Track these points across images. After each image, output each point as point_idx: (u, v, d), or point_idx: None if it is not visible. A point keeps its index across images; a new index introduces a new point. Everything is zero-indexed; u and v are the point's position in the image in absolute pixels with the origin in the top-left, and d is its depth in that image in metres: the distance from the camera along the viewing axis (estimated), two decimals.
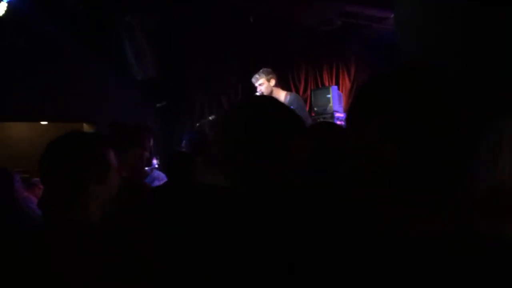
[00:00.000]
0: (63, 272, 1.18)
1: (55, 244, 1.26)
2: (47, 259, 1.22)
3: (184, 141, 3.94)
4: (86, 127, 6.68)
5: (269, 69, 4.83)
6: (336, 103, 6.83)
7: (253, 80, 4.81)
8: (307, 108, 6.55)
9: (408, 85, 0.75)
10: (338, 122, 6.46)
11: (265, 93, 4.76)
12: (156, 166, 5.23)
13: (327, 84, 7.77)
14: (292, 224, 1.25)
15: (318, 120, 6.51)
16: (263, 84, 4.74)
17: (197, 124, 6.01)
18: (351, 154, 0.78)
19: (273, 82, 4.77)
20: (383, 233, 0.77)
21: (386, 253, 0.73)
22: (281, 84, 5.10)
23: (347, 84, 8.10)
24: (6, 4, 4.77)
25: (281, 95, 4.80)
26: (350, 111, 0.83)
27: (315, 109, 7.03)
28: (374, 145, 0.74)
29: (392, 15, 5.47)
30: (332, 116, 6.63)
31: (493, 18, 2.62)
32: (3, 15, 4.81)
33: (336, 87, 7.24)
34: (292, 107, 4.49)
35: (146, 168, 3.93)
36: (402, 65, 0.81)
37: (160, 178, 3.93)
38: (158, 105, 6.03)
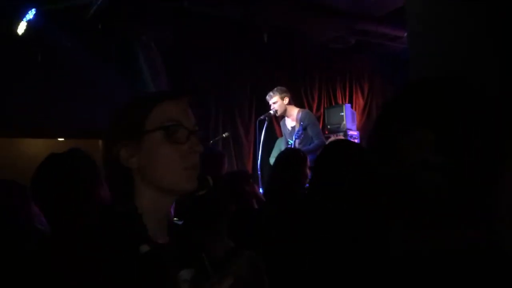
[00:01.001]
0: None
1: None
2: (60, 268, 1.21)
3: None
4: (101, 144, 6.75)
5: (283, 88, 4.87)
6: (349, 121, 6.83)
7: (267, 98, 4.85)
8: (320, 126, 6.56)
9: (452, 97, 0.75)
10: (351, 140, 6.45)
11: (278, 111, 4.79)
12: None
13: (340, 102, 7.77)
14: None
15: (332, 138, 6.51)
16: (276, 102, 4.78)
17: (211, 142, 6.04)
18: (395, 162, 0.76)
19: (286, 100, 4.80)
20: (419, 242, 0.75)
21: (422, 263, 0.72)
22: (294, 101, 5.13)
23: (361, 102, 8.09)
24: (25, 23, 4.89)
25: (294, 112, 4.83)
26: (385, 120, 0.81)
27: (329, 126, 7.03)
28: (419, 153, 0.72)
29: (406, 34, 5.50)
30: (346, 134, 6.62)
31: (507, 34, 2.62)
32: (23, 33, 4.93)
33: (349, 105, 7.24)
34: (302, 123, 4.54)
35: None
36: (438, 77, 0.80)
37: None
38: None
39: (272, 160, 5.06)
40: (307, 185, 3.12)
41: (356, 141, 6.62)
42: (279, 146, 5.30)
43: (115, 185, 1.11)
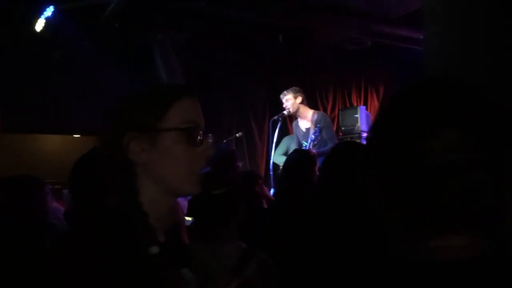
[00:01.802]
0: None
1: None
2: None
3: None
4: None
5: (297, 88, 4.88)
6: (364, 123, 6.79)
7: (281, 96, 4.87)
8: (335, 128, 6.54)
9: (476, 97, 0.75)
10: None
11: (291, 110, 4.79)
12: None
13: (355, 103, 7.74)
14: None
15: (345, 139, 6.49)
16: (289, 100, 4.78)
17: (224, 141, 6.06)
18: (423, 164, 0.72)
19: (299, 99, 4.79)
20: (433, 252, 0.74)
21: (431, 272, 0.71)
22: (309, 103, 5.12)
23: (376, 104, 8.04)
24: (44, 21, 4.97)
25: (309, 114, 4.82)
26: (391, 123, 0.78)
27: (343, 128, 7.00)
28: (446, 156, 0.70)
29: (422, 36, 5.44)
30: (360, 136, 6.58)
31: None
32: (41, 31, 5.01)
33: (364, 107, 7.20)
34: (318, 125, 4.52)
35: None
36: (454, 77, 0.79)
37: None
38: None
39: (277, 158, 5.03)
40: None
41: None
42: (287, 144, 5.27)
43: (118, 179, 1.04)
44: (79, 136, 7.80)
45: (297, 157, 2.97)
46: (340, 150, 1.94)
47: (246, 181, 2.90)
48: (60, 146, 8.34)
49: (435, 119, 0.72)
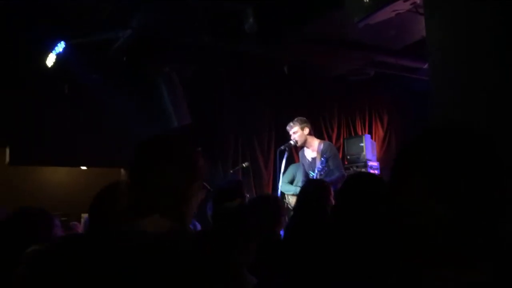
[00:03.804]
0: None
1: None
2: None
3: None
4: (123, 172, 6.85)
5: (304, 118, 4.91)
6: (369, 152, 6.81)
7: (288, 128, 4.89)
8: (340, 156, 6.56)
9: (453, 145, 0.81)
10: (371, 171, 6.42)
11: (299, 141, 4.82)
12: None
13: (360, 132, 7.76)
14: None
15: (352, 169, 6.49)
16: (297, 133, 4.81)
17: (231, 171, 6.08)
18: (399, 207, 0.82)
19: (307, 130, 4.83)
20: (424, 282, 0.79)
21: None
22: (314, 132, 5.16)
23: (380, 132, 8.07)
24: (54, 56, 5.08)
25: (315, 143, 4.85)
26: (397, 165, 0.87)
27: (348, 157, 7.01)
28: (423, 200, 0.78)
29: (426, 65, 5.52)
30: (365, 165, 6.59)
31: None
32: (52, 65, 5.12)
33: (369, 135, 7.23)
34: (325, 155, 4.53)
35: None
36: (448, 125, 0.87)
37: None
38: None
39: (284, 186, 5.03)
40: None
41: (376, 172, 6.58)
42: (293, 173, 5.28)
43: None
44: (85, 168, 7.86)
45: (313, 187, 2.98)
46: (355, 181, 1.96)
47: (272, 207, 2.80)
48: (67, 178, 8.41)
49: (411, 168, 0.83)
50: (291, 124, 4.86)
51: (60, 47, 4.98)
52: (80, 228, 3.77)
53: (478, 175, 0.77)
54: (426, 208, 0.77)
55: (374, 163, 6.78)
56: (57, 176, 8.25)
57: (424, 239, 0.78)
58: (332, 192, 2.97)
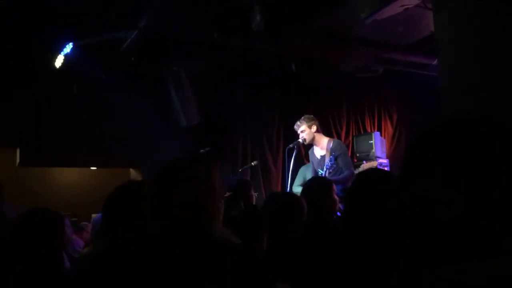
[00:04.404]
0: None
1: None
2: None
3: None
4: (132, 172, 6.88)
5: (311, 116, 4.87)
6: (378, 149, 6.77)
7: (295, 127, 4.87)
8: (349, 154, 6.53)
9: (468, 135, 0.77)
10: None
11: (307, 140, 4.80)
12: None
13: (369, 129, 7.72)
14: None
15: (362, 167, 6.46)
16: (305, 131, 4.78)
17: (240, 170, 6.08)
18: (414, 200, 0.79)
19: (314, 128, 4.80)
20: (440, 277, 0.77)
21: None
22: (323, 130, 5.13)
23: (390, 129, 8.02)
24: (63, 57, 5.11)
25: (324, 141, 4.81)
26: (410, 157, 0.84)
27: (358, 154, 6.98)
28: (437, 192, 0.75)
29: (435, 61, 5.47)
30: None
31: None
32: (60, 66, 5.15)
33: (378, 133, 7.20)
34: (334, 153, 4.51)
35: None
36: (460, 115, 0.83)
37: None
38: (202, 150, 6.16)
39: (295, 188, 5.02)
40: (338, 213, 3.11)
41: (386, 169, 6.54)
42: (303, 174, 5.26)
43: None
44: (95, 168, 7.91)
45: (315, 184, 2.96)
46: (366, 178, 1.94)
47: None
48: (77, 178, 8.46)
49: (427, 159, 0.79)
50: (298, 123, 4.83)
51: (68, 48, 5.01)
52: (89, 227, 3.79)
53: (502, 167, 0.73)
54: (441, 201, 0.75)
55: (384, 160, 6.74)
56: (67, 177, 8.31)
57: (432, 236, 0.76)
58: (335, 189, 2.94)
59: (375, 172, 2.46)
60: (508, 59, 2.74)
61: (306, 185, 3.08)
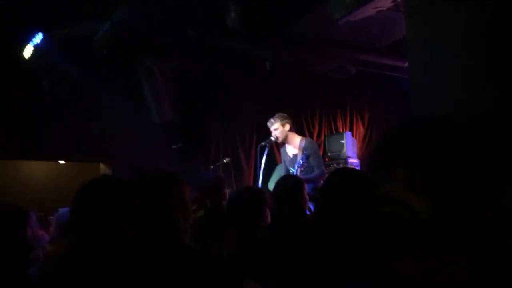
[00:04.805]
0: None
1: None
2: None
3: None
4: (102, 167, 6.77)
5: (285, 114, 4.90)
6: (350, 149, 6.85)
7: (268, 124, 4.88)
8: (321, 153, 6.59)
9: (434, 138, 0.79)
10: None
11: (279, 138, 4.82)
12: None
13: (341, 130, 7.81)
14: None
15: (333, 166, 6.53)
16: (278, 129, 4.80)
17: (211, 167, 6.06)
18: (377, 199, 0.80)
19: (287, 127, 4.82)
20: (401, 274, 0.78)
21: None
22: (295, 129, 5.16)
23: (361, 130, 8.13)
24: (32, 48, 4.98)
25: (296, 140, 4.85)
26: (375, 157, 0.85)
27: (329, 154, 7.05)
28: (400, 193, 0.76)
29: (406, 64, 5.57)
30: (346, 162, 6.64)
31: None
32: (29, 57, 5.01)
33: (350, 133, 7.28)
34: (305, 152, 4.54)
35: None
36: (428, 118, 0.84)
37: None
38: (173, 146, 6.11)
39: (271, 185, 5.05)
40: (308, 212, 3.13)
41: (357, 169, 6.62)
42: (279, 173, 5.29)
43: None
44: (63, 162, 7.75)
45: (286, 182, 2.97)
46: (337, 177, 1.96)
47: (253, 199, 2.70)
48: (44, 172, 8.27)
49: (393, 160, 0.80)
50: (272, 120, 4.85)
51: (38, 38, 4.88)
52: (53, 221, 3.71)
53: (461, 170, 0.75)
54: (404, 202, 0.76)
55: (355, 160, 6.83)
56: (34, 171, 8.12)
57: (400, 234, 0.77)
58: (306, 187, 2.96)
59: (346, 170, 2.49)
60: (478, 63, 2.81)
61: (278, 182, 3.09)
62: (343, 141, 6.89)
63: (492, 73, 2.76)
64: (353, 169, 4.46)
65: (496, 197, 0.76)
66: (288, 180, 3.15)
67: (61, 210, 3.25)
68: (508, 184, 1.02)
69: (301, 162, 4.53)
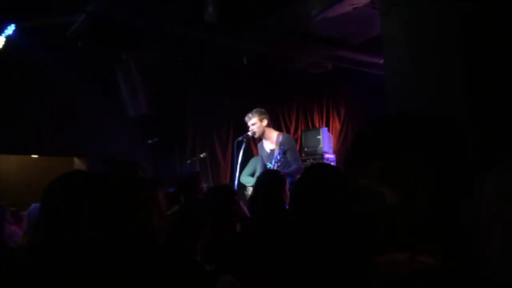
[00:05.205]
0: None
1: None
2: None
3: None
4: (76, 161, 6.66)
5: (262, 110, 4.91)
6: (326, 144, 6.91)
7: (246, 119, 4.89)
8: (298, 148, 6.62)
9: (408, 132, 0.81)
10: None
11: (257, 133, 4.83)
12: None
13: (317, 125, 7.86)
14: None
15: (309, 161, 6.57)
16: (255, 124, 4.82)
17: (188, 162, 6.03)
18: (352, 193, 0.82)
19: (265, 122, 4.84)
20: (377, 267, 0.80)
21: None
22: (272, 124, 5.18)
23: (337, 126, 8.21)
24: (4, 39, 4.85)
25: (273, 135, 4.87)
26: (351, 152, 0.86)
27: (305, 149, 7.09)
28: (375, 187, 0.78)
29: (382, 61, 5.64)
30: (322, 157, 6.69)
31: (483, 64, 2.72)
32: (1, 49, 4.89)
33: (326, 128, 7.34)
34: (282, 147, 4.56)
35: None
36: (403, 112, 0.86)
37: None
38: (149, 141, 6.06)
39: (244, 178, 5.04)
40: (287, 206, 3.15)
41: (333, 164, 6.68)
42: (254, 165, 5.29)
43: None
44: (36, 156, 7.59)
45: (268, 178, 2.98)
46: (312, 172, 1.98)
47: (218, 198, 2.76)
48: (16, 166, 8.09)
49: (367, 154, 0.82)
50: (250, 115, 4.86)
51: (10, 29, 4.76)
52: (25, 216, 3.64)
53: (434, 163, 0.77)
54: (379, 196, 0.77)
55: (331, 156, 6.90)
56: (6, 165, 7.93)
57: (374, 226, 0.79)
58: (288, 183, 2.98)
59: (321, 165, 2.51)
60: (451, 60, 2.88)
61: (259, 178, 3.10)
62: (319, 137, 6.94)
63: (464, 70, 2.82)
64: (328, 165, 4.50)
65: (468, 190, 0.78)
66: (270, 175, 3.16)
67: (33, 205, 3.20)
68: (479, 177, 1.05)
69: (278, 157, 4.55)
